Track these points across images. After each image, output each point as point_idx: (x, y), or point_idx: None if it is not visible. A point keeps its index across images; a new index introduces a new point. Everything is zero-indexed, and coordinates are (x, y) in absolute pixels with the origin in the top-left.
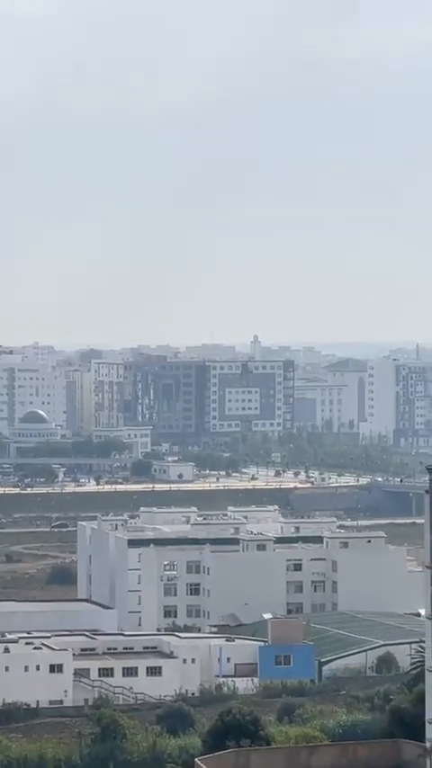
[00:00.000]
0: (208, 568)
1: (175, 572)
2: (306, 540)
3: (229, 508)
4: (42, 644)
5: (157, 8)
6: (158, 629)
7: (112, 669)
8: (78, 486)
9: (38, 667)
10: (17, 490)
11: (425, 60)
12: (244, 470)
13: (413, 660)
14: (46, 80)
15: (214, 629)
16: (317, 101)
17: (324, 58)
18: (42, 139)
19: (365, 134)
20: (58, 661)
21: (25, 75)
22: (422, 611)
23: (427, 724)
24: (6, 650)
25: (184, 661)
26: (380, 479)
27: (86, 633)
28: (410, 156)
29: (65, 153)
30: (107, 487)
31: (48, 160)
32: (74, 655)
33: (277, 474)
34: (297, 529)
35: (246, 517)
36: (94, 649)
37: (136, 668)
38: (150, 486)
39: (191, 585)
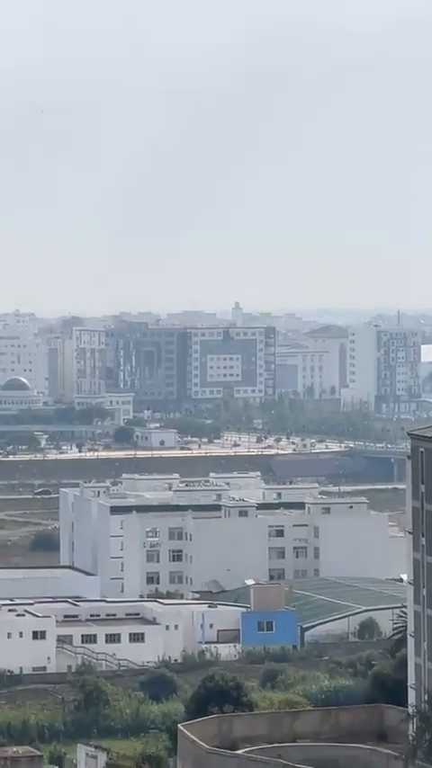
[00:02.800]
0: (190, 535)
1: (157, 538)
2: (288, 506)
3: (211, 475)
4: (25, 611)
5: None
6: (141, 596)
7: (94, 636)
8: (60, 453)
9: (21, 634)
10: None
11: (420, 33)
12: (226, 437)
13: (395, 625)
14: (40, 48)
15: (197, 596)
16: (305, 72)
17: (316, 29)
18: (30, 108)
19: (355, 105)
20: (41, 628)
21: (21, 42)
22: (404, 577)
23: (409, 689)
24: None
25: (167, 627)
26: (361, 445)
27: (69, 600)
28: (399, 127)
29: (52, 122)
30: (89, 454)
31: (33, 128)
32: (57, 621)
33: (259, 440)
34: (279, 495)
35: (228, 483)
36: (76, 616)
37: (119, 635)
38: (132, 452)
39: (173, 552)
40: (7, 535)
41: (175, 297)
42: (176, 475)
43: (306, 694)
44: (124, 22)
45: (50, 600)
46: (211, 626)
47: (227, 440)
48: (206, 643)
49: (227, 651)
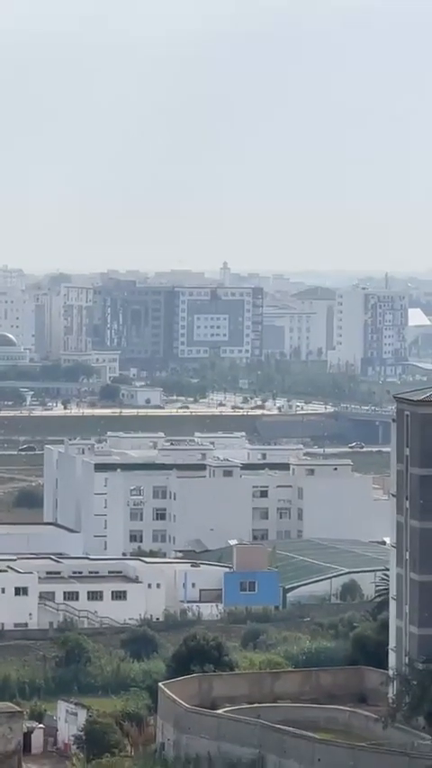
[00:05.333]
0: (174, 494)
1: (141, 497)
2: (272, 467)
3: (197, 434)
4: (8, 567)
5: None
6: (124, 554)
7: (77, 593)
8: (46, 409)
9: (3, 590)
10: None
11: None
12: (211, 397)
13: (377, 588)
14: (46, 8)
15: (179, 555)
16: (303, 28)
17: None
18: (34, 66)
19: (345, 61)
20: (24, 584)
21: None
22: (387, 540)
23: (389, 652)
24: None
25: (149, 586)
26: (347, 407)
27: (52, 557)
28: (393, 85)
29: (56, 81)
30: (75, 411)
31: (36, 86)
32: (39, 578)
33: (245, 401)
34: (264, 456)
35: (213, 443)
36: (59, 573)
37: (101, 592)
38: (118, 410)
39: (157, 510)
40: None
41: (163, 256)
42: (161, 434)
43: (287, 655)
44: None
45: (33, 556)
46: (193, 585)
47: (212, 399)
48: (188, 602)
49: (209, 611)
